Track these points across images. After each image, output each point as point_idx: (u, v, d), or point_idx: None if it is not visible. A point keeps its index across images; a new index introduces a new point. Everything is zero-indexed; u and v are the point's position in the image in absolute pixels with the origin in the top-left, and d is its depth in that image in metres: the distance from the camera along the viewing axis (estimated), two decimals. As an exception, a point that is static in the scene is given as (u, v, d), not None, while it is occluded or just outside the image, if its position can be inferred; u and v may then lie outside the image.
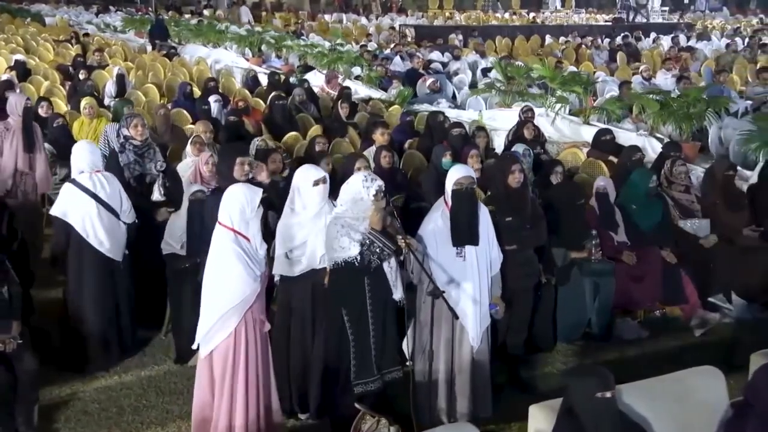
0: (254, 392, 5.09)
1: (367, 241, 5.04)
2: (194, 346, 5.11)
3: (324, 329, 5.45)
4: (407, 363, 5.66)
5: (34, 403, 5.44)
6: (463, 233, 5.34)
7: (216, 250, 4.96)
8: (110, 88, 13.23)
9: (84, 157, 6.31)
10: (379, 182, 5.20)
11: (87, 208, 6.16)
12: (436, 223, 5.42)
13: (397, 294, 5.30)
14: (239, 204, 4.91)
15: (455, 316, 5.05)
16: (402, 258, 5.37)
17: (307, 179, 5.41)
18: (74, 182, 6.25)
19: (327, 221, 5.27)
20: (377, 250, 5.04)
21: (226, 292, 4.87)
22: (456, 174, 5.41)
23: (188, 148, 7.78)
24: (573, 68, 16.87)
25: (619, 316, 7.17)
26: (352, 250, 5.05)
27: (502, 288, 5.73)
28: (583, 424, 3.88)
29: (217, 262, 4.94)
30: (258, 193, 4.99)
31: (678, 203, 7.51)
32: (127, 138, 6.97)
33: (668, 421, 4.22)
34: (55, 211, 6.26)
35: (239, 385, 5.00)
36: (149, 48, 21.16)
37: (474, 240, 5.35)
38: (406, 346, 5.81)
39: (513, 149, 8.42)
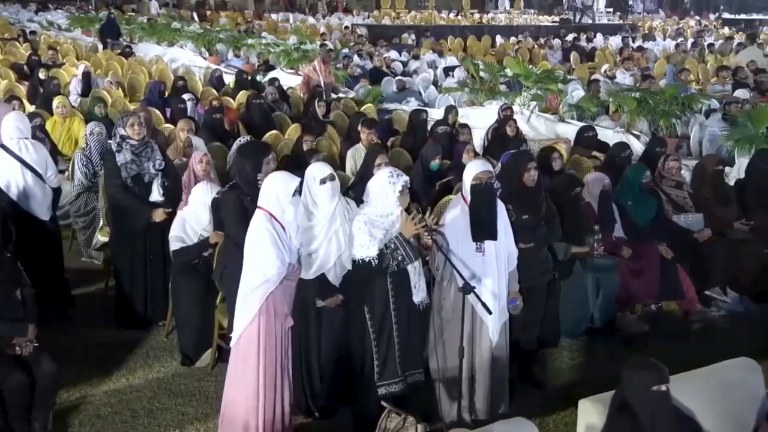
0: (276, 389, 5.04)
1: (392, 245, 5.04)
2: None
3: (344, 328, 5.40)
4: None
5: (51, 407, 5.31)
6: (483, 228, 5.32)
7: (251, 231, 4.95)
8: (76, 86, 12.97)
9: (12, 125, 6.87)
10: (405, 178, 5.18)
11: (14, 170, 6.72)
12: (456, 218, 5.39)
13: (418, 297, 5.29)
14: (275, 191, 4.92)
15: (488, 312, 5.05)
16: (426, 256, 5.41)
17: (314, 177, 5.28)
18: (3, 147, 6.82)
19: (340, 223, 5.24)
20: (399, 257, 5.04)
21: (252, 271, 4.87)
22: (474, 169, 5.40)
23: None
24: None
25: (618, 310, 7.24)
26: (371, 250, 5.03)
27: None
28: (638, 417, 3.91)
29: (251, 243, 4.94)
30: (295, 182, 4.97)
31: (670, 198, 7.63)
32: (124, 137, 6.79)
33: (711, 413, 4.26)
34: None
35: (262, 380, 4.94)
36: (100, 46, 20.81)
37: (493, 235, 5.35)
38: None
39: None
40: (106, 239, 7.92)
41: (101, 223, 8.12)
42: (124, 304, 7.00)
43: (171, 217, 6.67)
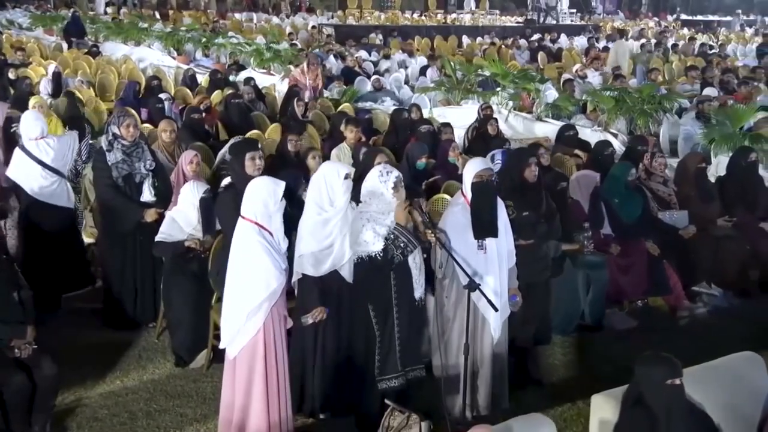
0: (285, 389, 5.08)
1: (392, 236, 5.05)
2: (222, 346, 5.03)
3: (348, 326, 5.39)
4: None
5: (51, 410, 5.26)
6: (485, 226, 5.34)
7: (240, 244, 4.91)
8: (46, 86, 12.80)
9: (30, 126, 7.13)
10: (396, 173, 5.20)
11: (33, 171, 6.99)
12: (457, 216, 5.40)
13: (418, 292, 5.31)
14: (262, 197, 4.89)
15: (494, 309, 5.08)
16: (426, 255, 5.42)
17: (338, 174, 5.23)
18: (22, 148, 7.11)
19: (350, 222, 5.23)
20: (401, 244, 5.06)
21: (253, 286, 4.83)
22: (476, 167, 5.41)
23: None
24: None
25: (606, 307, 7.32)
26: (376, 245, 5.05)
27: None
28: (653, 411, 3.94)
29: (243, 257, 4.90)
30: (281, 186, 4.96)
31: (656, 195, 7.73)
32: (116, 137, 6.72)
33: (717, 407, 4.30)
34: (9, 173, 7.17)
35: (273, 382, 4.96)
36: (65, 45, 20.54)
37: (494, 232, 5.37)
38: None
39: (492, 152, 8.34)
40: (90, 240, 7.85)
41: (84, 223, 8.03)
42: (112, 304, 6.93)
43: (162, 217, 6.63)
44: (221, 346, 5.05)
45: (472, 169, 5.41)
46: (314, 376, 5.45)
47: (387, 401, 5.13)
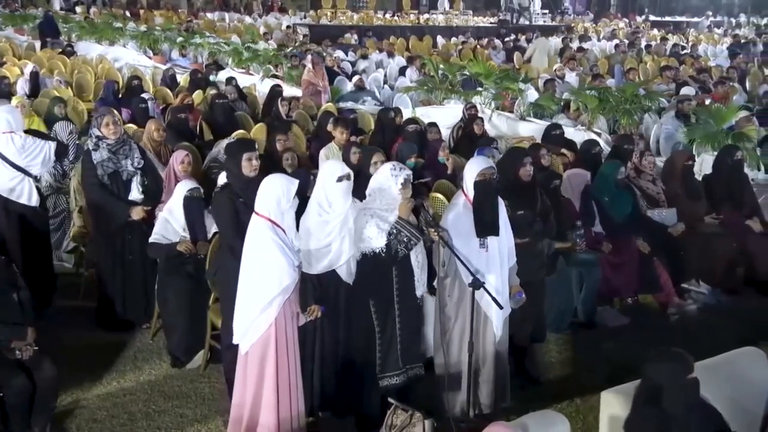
0: (296, 386, 5.07)
1: (394, 231, 5.06)
2: (235, 341, 5.00)
3: (350, 323, 5.38)
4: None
5: (51, 411, 5.21)
6: (487, 224, 5.35)
7: (253, 241, 4.90)
8: (23, 86, 12.64)
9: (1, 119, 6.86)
10: (407, 172, 5.23)
11: None
12: (458, 215, 5.39)
13: (419, 291, 5.34)
14: (276, 195, 4.88)
15: (500, 306, 5.09)
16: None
17: (331, 175, 5.24)
18: None
19: (351, 223, 5.21)
20: (404, 239, 5.08)
21: (266, 282, 4.82)
22: (478, 165, 5.41)
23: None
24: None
25: (598, 304, 7.38)
26: (379, 241, 5.07)
27: (514, 281, 5.79)
28: (667, 408, 3.92)
29: (256, 253, 4.88)
30: (294, 184, 4.95)
31: (645, 193, 7.79)
32: (100, 137, 6.66)
33: (721, 403, 4.27)
34: None
35: (284, 378, 4.95)
36: (37, 45, 20.30)
37: (496, 231, 5.39)
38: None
39: (480, 149, 8.37)
40: (73, 243, 7.79)
41: (72, 223, 7.94)
42: (105, 305, 6.86)
43: (150, 215, 6.59)
44: (234, 341, 5.02)
45: (474, 167, 5.40)
46: (314, 374, 5.45)
47: (390, 399, 5.13)
